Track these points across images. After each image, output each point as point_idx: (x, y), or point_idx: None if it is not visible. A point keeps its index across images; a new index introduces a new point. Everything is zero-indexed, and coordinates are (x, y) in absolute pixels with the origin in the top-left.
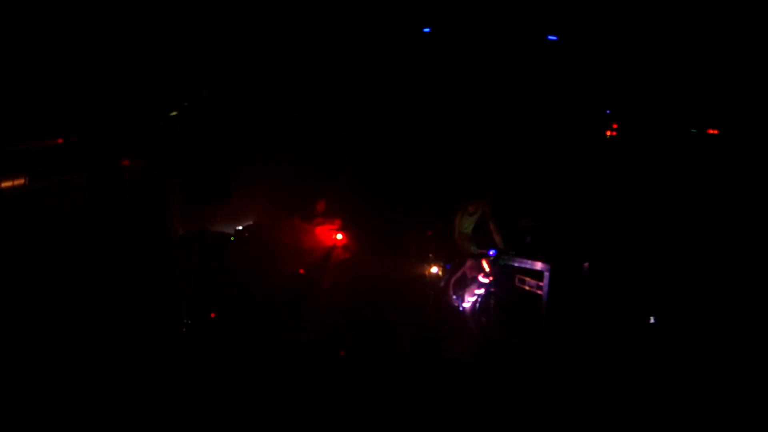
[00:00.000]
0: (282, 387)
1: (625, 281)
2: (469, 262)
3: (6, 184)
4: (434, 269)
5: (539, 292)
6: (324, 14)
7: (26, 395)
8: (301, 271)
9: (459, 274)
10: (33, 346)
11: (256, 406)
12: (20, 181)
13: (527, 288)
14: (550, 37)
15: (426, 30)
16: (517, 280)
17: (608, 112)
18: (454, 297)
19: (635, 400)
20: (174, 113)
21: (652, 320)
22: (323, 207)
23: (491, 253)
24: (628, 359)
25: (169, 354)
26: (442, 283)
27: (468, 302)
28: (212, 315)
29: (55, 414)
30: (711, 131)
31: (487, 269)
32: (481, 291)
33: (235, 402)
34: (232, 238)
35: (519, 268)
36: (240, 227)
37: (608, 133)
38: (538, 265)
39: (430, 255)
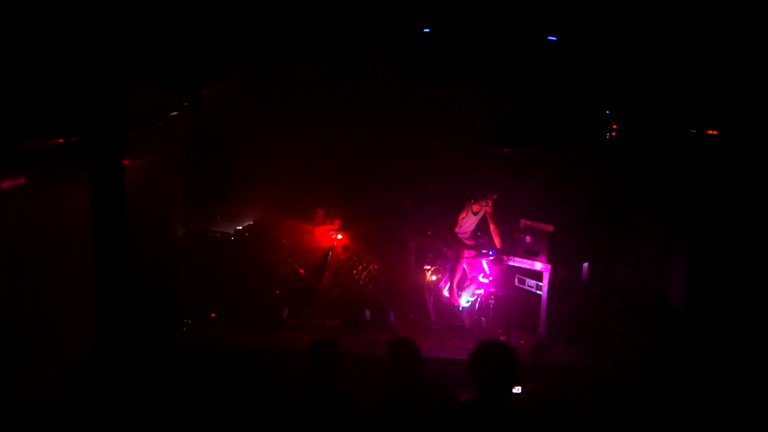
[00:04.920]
0: (281, 387)
1: (626, 281)
2: (467, 261)
3: (6, 184)
4: (434, 270)
5: (539, 292)
6: (325, 15)
7: (27, 394)
8: (302, 271)
9: (458, 274)
10: (33, 345)
11: (255, 406)
12: (20, 181)
13: (527, 288)
14: (550, 38)
15: (426, 30)
16: (517, 280)
17: (608, 112)
18: (454, 297)
19: (639, 399)
20: (174, 113)
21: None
22: (321, 216)
23: (491, 253)
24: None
25: (169, 354)
26: (441, 284)
27: (468, 302)
28: (212, 315)
29: (54, 412)
30: (710, 131)
31: (487, 269)
32: (481, 291)
33: (235, 402)
34: (232, 238)
35: (519, 268)
36: (240, 227)
37: (608, 133)
38: (538, 265)
39: (430, 255)
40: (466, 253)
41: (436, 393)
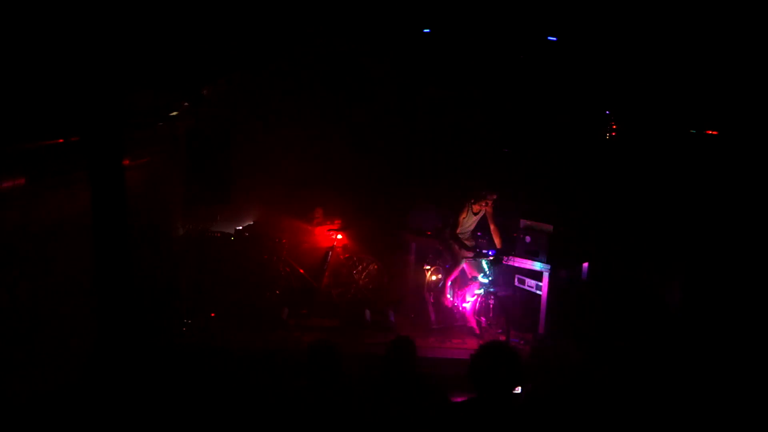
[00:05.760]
0: (281, 387)
1: (625, 281)
2: (467, 262)
3: (6, 184)
4: (434, 270)
5: (539, 292)
6: (325, 16)
7: (27, 394)
8: (301, 271)
9: (458, 274)
10: (33, 345)
11: (255, 406)
12: (20, 181)
13: (527, 288)
14: (550, 38)
15: (426, 31)
16: (516, 280)
17: (608, 112)
18: (454, 297)
19: (639, 400)
20: (174, 113)
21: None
22: (321, 216)
23: (491, 253)
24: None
25: (169, 354)
26: (441, 284)
27: (468, 302)
28: (212, 315)
29: (55, 412)
30: (710, 131)
31: (487, 269)
32: (481, 291)
33: (235, 402)
34: (232, 238)
35: (519, 268)
36: (240, 227)
37: (608, 133)
38: (538, 265)
39: (430, 255)
40: (466, 254)
41: (427, 392)
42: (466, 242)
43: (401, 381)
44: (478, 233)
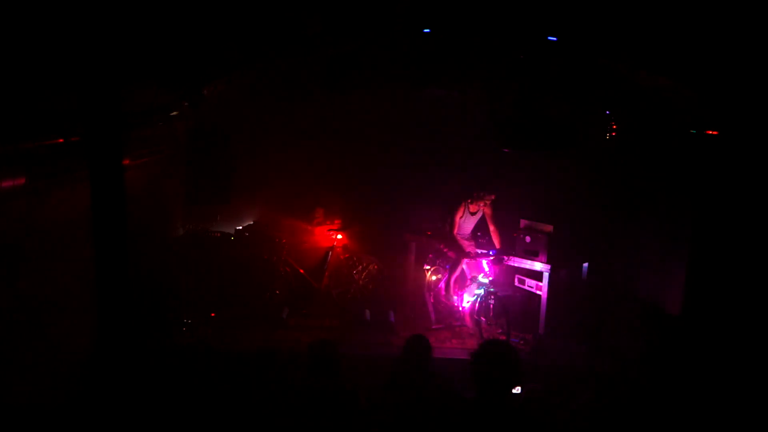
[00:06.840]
0: (281, 387)
1: (625, 281)
2: (467, 262)
3: (6, 184)
4: (434, 270)
5: (539, 292)
6: (325, 15)
7: (27, 394)
8: (302, 271)
9: (458, 273)
10: (33, 345)
11: (254, 406)
12: (20, 181)
13: (527, 288)
14: (550, 38)
15: (426, 30)
16: (516, 280)
17: (608, 112)
18: (454, 297)
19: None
20: (174, 113)
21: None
22: (321, 216)
23: (491, 253)
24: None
25: (169, 354)
26: (441, 284)
27: (468, 302)
28: (212, 315)
29: (55, 412)
30: (710, 131)
31: (487, 269)
32: (481, 291)
33: (235, 402)
34: (232, 238)
35: (519, 268)
36: (240, 227)
37: (608, 133)
38: (538, 265)
39: (430, 255)
40: (462, 255)
41: (441, 390)
42: (465, 243)
43: (417, 379)
44: (478, 233)
